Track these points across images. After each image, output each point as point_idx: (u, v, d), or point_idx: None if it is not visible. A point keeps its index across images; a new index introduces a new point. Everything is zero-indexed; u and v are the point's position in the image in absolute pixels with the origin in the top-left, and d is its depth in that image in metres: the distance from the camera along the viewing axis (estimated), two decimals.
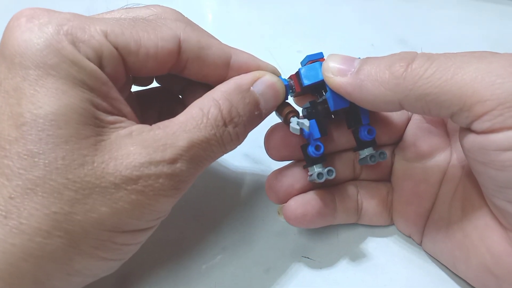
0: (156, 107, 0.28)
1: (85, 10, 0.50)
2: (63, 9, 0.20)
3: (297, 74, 0.23)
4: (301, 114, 0.24)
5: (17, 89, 0.17)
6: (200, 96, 0.22)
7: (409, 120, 0.26)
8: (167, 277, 0.26)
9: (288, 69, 0.24)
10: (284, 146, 0.25)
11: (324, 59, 0.23)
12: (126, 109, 0.20)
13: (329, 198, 0.25)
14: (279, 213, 0.25)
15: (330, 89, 0.22)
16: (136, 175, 0.18)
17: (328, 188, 0.26)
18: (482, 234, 0.21)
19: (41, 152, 0.17)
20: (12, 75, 0.18)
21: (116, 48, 0.20)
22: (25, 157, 0.17)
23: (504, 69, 0.17)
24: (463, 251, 0.22)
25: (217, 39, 0.23)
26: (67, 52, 0.18)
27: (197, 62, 0.22)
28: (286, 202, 0.25)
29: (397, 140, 0.26)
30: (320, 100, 0.24)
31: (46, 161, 0.17)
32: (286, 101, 0.24)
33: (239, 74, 0.23)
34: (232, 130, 0.21)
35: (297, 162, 0.26)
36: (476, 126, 0.18)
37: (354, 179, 0.27)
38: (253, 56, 0.24)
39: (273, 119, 0.25)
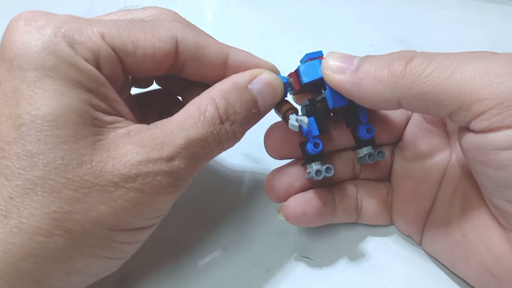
0: (155, 109, 0.29)
1: (85, 10, 0.50)
2: (63, 9, 0.20)
3: (296, 71, 0.23)
4: (300, 112, 0.24)
5: (16, 91, 0.18)
6: None
7: (409, 119, 0.26)
8: (167, 277, 0.26)
9: (288, 69, 0.24)
10: (283, 144, 0.25)
11: (323, 57, 0.23)
12: (124, 109, 0.21)
13: (329, 197, 0.25)
14: (278, 212, 0.25)
15: (329, 87, 0.22)
16: (134, 173, 0.18)
17: (327, 187, 0.26)
18: (482, 234, 0.21)
19: (40, 152, 0.17)
20: (10, 77, 0.18)
21: (114, 49, 0.20)
22: (24, 157, 0.17)
23: (503, 68, 0.17)
24: (462, 251, 0.22)
25: (214, 38, 0.23)
26: (64, 53, 0.18)
27: (195, 62, 0.22)
28: (285, 200, 0.25)
29: (397, 140, 0.26)
30: (319, 98, 0.24)
31: (45, 161, 0.17)
32: (285, 99, 0.24)
33: (237, 73, 0.23)
34: (229, 128, 0.21)
35: (296, 160, 0.26)
36: (475, 125, 0.18)
37: (354, 178, 0.27)
38: (251, 54, 0.24)
39: (274, 118, 0.25)
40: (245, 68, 0.23)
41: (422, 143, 0.25)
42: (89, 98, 0.19)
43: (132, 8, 0.23)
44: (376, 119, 0.25)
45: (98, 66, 0.19)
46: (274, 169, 0.25)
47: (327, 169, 0.23)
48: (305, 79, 0.23)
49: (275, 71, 0.24)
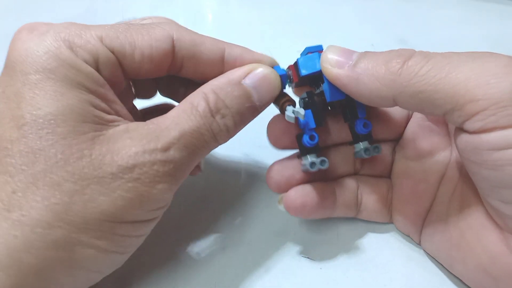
0: None
1: (85, 10, 0.50)
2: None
3: (295, 64, 0.24)
4: (298, 105, 0.24)
5: (18, 94, 0.19)
6: None
7: (409, 116, 0.26)
8: (167, 277, 0.26)
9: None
10: (284, 134, 0.25)
11: (323, 51, 0.23)
12: (123, 111, 0.21)
13: (330, 191, 0.26)
14: (279, 202, 0.25)
15: (327, 80, 0.22)
16: (131, 163, 0.19)
17: (329, 181, 0.26)
18: (478, 234, 0.21)
19: (41, 148, 0.18)
20: (13, 82, 0.19)
21: (112, 51, 0.20)
22: (27, 154, 0.18)
23: (499, 69, 0.17)
24: (460, 252, 0.22)
25: (209, 37, 0.23)
26: (65, 56, 0.19)
27: (192, 60, 0.22)
28: (286, 191, 0.25)
29: (397, 137, 0.26)
30: (318, 91, 0.24)
31: (46, 156, 0.18)
32: (284, 91, 0.24)
33: (235, 68, 0.23)
34: (220, 121, 0.21)
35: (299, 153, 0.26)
36: (469, 125, 0.18)
37: (355, 173, 0.27)
38: (247, 48, 0.24)
39: (276, 112, 0.25)
40: (242, 63, 0.23)
41: (423, 141, 0.25)
42: (89, 98, 0.19)
43: (131, 20, 0.24)
44: (376, 115, 0.26)
45: (97, 68, 0.20)
46: (276, 161, 0.26)
47: (322, 161, 0.23)
48: (304, 72, 0.23)
49: (274, 63, 0.24)
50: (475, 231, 0.21)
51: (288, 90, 0.25)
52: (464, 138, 0.19)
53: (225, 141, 0.22)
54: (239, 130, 0.23)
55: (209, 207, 0.29)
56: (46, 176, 0.18)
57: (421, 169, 0.25)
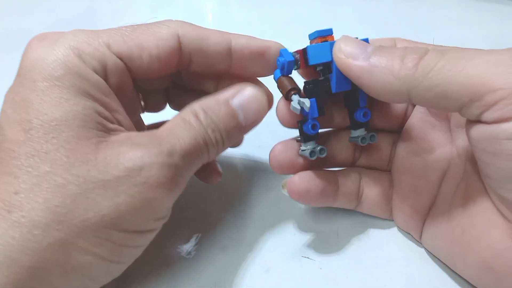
0: None
1: (85, 10, 0.50)
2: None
3: (304, 51, 0.23)
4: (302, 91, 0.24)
5: (26, 100, 0.19)
6: None
7: (407, 109, 0.26)
8: (167, 277, 0.26)
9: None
10: (292, 115, 0.25)
11: (332, 36, 0.23)
12: (125, 121, 0.22)
13: (333, 179, 0.26)
14: (283, 187, 0.25)
15: (335, 71, 0.22)
16: (139, 165, 0.19)
17: (332, 171, 0.27)
18: (483, 230, 0.21)
19: (47, 151, 0.18)
20: (23, 89, 0.19)
21: (120, 57, 0.21)
22: (32, 156, 0.18)
23: None
24: (462, 248, 0.22)
25: (215, 29, 0.24)
26: (72, 64, 0.20)
27: (200, 54, 0.23)
28: (288, 173, 0.25)
29: (395, 128, 0.27)
30: (322, 78, 0.24)
31: (52, 159, 0.18)
32: (290, 76, 0.24)
33: (243, 58, 0.23)
34: (212, 134, 0.22)
35: None
36: (487, 116, 0.18)
37: (354, 162, 0.28)
38: (253, 37, 0.24)
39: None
40: (250, 51, 0.23)
41: (424, 136, 0.25)
42: (93, 106, 0.20)
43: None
44: (376, 105, 0.26)
45: (105, 75, 0.21)
46: (280, 142, 0.26)
47: (321, 150, 0.24)
48: (312, 61, 0.23)
49: (280, 47, 0.24)
50: (480, 228, 0.21)
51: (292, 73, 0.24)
52: (480, 128, 0.19)
53: (218, 154, 0.23)
54: (227, 148, 0.23)
55: (209, 207, 0.30)
56: (51, 177, 0.18)
57: (422, 165, 0.25)
